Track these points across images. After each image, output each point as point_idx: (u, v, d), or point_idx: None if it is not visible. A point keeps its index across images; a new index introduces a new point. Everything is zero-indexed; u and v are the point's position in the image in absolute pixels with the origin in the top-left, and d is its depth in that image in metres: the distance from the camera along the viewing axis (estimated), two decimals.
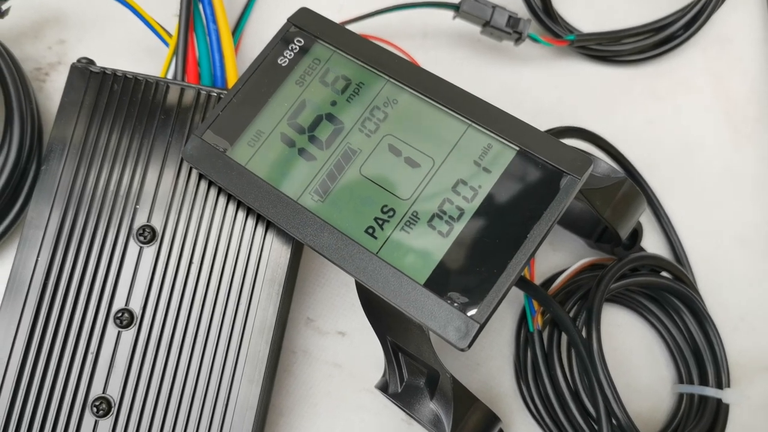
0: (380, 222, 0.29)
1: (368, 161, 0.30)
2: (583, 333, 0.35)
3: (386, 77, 0.32)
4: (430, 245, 0.28)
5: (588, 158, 0.28)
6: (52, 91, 0.41)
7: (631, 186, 0.34)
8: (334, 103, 0.32)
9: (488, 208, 0.29)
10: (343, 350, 0.39)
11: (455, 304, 0.27)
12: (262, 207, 0.31)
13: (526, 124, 0.30)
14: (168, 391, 0.31)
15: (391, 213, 0.29)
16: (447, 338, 0.27)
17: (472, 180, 0.29)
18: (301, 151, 0.31)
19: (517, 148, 0.29)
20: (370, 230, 0.29)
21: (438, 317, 0.27)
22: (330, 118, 0.31)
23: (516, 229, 0.28)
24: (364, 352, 0.38)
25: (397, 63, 0.32)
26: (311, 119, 0.32)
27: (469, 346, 0.27)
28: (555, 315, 0.35)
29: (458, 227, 0.29)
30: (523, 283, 0.36)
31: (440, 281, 0.28)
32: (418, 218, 0.29)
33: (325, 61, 0.32)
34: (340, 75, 0.32)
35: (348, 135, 0.31)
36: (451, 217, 0.29)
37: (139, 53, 0.42)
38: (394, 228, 0.29)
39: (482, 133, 0.30)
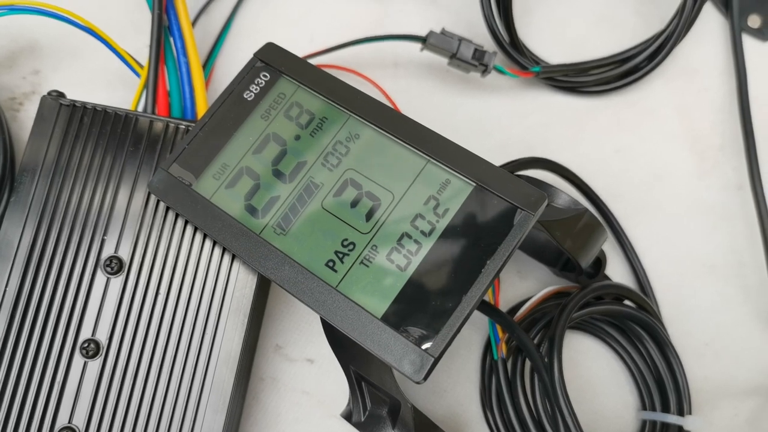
0: (340, 255, 0.30)
1: (330, 195, 0.31)
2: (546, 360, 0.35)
3: (349, 113, 0.32)
4: (388, 279, 0.29)
5: (542, 194, 0.29)
6: (25, 120, 0.41)
7: (591, 217, 0.35)
8: (298, 138, 0.32)
9: (445, 242, 0.29)
10: (312, 377, 0.39)
11: (411, 338, 0.28)
12: (226, 240, 0.31)
13: (483, 159, 0.30)
14: (133, 421, 0.32)
15: (351, 246, 0.30)
16: (403, 371, 0.27)
17: (430, 214, 0.30)
18: (265, 185, 0.32)
19: (474, 184, 0.30)
20: (331, 263, 0.30)
21: (394, 351, 0.28)
22: (294, 152, 0.32)
23: (471, 263, 0.29)
24: (332, 380, 0.39)
25: (360, 98, 0.32)
26: (276, 153, 0.32)
27: (425, 379, 0.27)
28: (519, 341, 0.36)
29: (416, 261, 0.29)
30: (487, 308, 0.37)
31: (397, 315, 0.28)
32: (378, 252, 0.30)
33: (290, 95, 0.33)
34: (305, 110, 0.33)
35: (311, 169, 0.32)
36: (409, 251, 0.29)
37: (114, 83, 0.42)
38: (353, 261, 0.30)
39: (440, 168, 0.30)
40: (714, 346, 0.42)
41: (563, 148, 0.44)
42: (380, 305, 0.29)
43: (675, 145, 0.45)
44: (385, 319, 0.28)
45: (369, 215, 0.30)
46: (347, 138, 0.32)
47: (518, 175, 0.32)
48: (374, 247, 0.30)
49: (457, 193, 0.30)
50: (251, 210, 0.31)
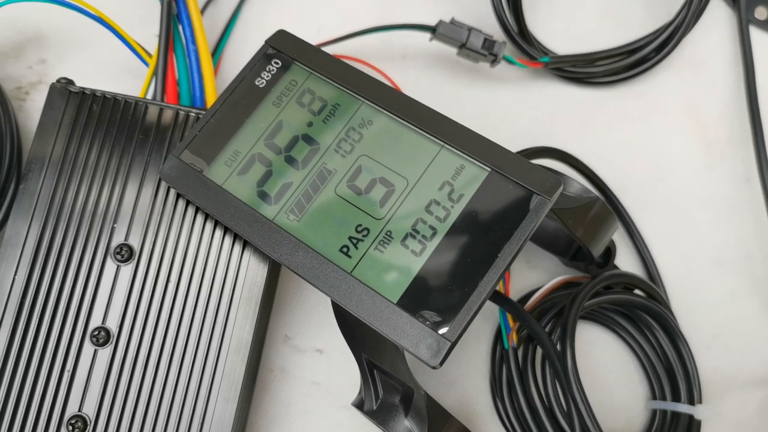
0: (354, 241, 0.30)
1: (343, 181, 0.31)
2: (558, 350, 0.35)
3: (362, 99, 0.32)
4: (403, 264, 0.29)
5: (558, 179, 0.29)
6: (32, 110, 0.41)
7: (602, 206, 0.35)
8: (310, 124, 0.32)
9: (460, 227, 0.29)
10: (321, 368, 0.39)
11: (427, 323, 0.27)
12: (238, 226, 0.31)
13: (498, 145, 0.30)
14: (144, 409, 0.31)
15: (365, 232, 0.30)
16: (419, 356, 0.27)
17: (445, 200, 0.30)
18: (277, 171, 0.31)
19: (489, 169, 0.30)
20: (345, 249, 0.30)
21: (410, 336, 0.27)
22: (306, 138, 0.32)
23: (487, 248, 0.28)
24: (341, 370, 0.39)
25: (372, 85, 0.32)
26: (288, 140, 0.32)
27: (441, 363, 0.27)
28: (530, 329, 0.36)
29: (431, 246, 0.29)
30: (498, 297, 0.37)
31: (413, 300, 0.28)
32: (392, 237, 0.29)
33: (302, 82, 0.33)
34: (317, 96, 0.33)
35: (324, 155, 0.32)
36: (424, 237, 0.29)
37: (121, 72, 0.42)
38: (368, 247, 0.29)
39: (455, 154, 0.30)
40: (722, 338, 0.42)
41: (571, 139, 0.44)
42: (396, 290, 0.28)
43: (683, 137, 0.45)
44: (401, 303, 0.28)
45: (383, 201, 0.30)
46: (360, 124, 0.32)
47: None
48: (389, 233, 0.30)
49: (471, 178, 0.30)
50: (264, 196, 0.31)
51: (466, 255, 0.29)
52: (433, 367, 0.27)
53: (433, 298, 0.28)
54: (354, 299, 0.29)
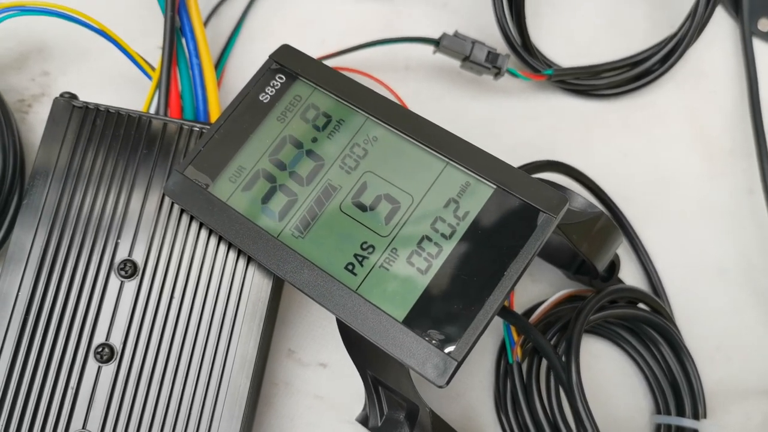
0: (360, 259, 0.30)
1: (348, 198, 0.31)
2: None
3: (366, 114, 0.32)
4: (409, 282, 0.29)
5: (564, 197, 0.29)
6: (35, 122, 0.41)
7: (607, 220, 0.35)
8: (314, 140, 0.32)
9: (466, 245, 0.29)
10: (325, 382, 0.39)
11: (433, 342, 0.27)
12: (243, 243, 0.31)
13: (504, 162, 0.30)
14: (148, 427, 0.31)
15: (370, 250, 0.30)
16: (425, 375, 0.27)
17: (450, 217, 0.30)
18: (282, 188, 0.31)
19: (495, 186, 0.30)
20: (350, 267, 0.29)
21: (416, 355, 0.27)
22: (311, 154, 0.32)
23: (493, 265, 0.28)
24: (345, 384, 0.39)
25: (377, 100, 0.32)
26: (292, 155, 0.32)
27: (447, 383, 0.27)
28: (535, 342, 0.36)
29: (437, 264, 0.29)
30: (503, 311, 0.37)
31: (419, 318, 0.28)
32: (398, 255, 0.29)
33: (306, 97, 0.33)
34: (321, 112, 0.33)
35: (328, 171, 0.31)
36: (429, 254, 0.29)
37: (123, 85, 0.42)
38: (373, 265, 0.29)
39: (460, 171, 0.30)
40: (725, 350, 0.42)
41: (574, 151, 0.43)
42: (401, 309, 0.28)
43: (685, 149, 0.45)
44: (407, 322, 0.28)
45: (388, 218, 0.30)
46: (365, 140, 0.32)
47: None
48: (394, 250, 0.30)
49: (477, 195, 0.30)
50: (269, 213, 0.31)
51: (472, 273, 0.28)
52: (440, 386, 0.27)
53: (439, 316, 0.28)
54: (359, 317, 0.28)
